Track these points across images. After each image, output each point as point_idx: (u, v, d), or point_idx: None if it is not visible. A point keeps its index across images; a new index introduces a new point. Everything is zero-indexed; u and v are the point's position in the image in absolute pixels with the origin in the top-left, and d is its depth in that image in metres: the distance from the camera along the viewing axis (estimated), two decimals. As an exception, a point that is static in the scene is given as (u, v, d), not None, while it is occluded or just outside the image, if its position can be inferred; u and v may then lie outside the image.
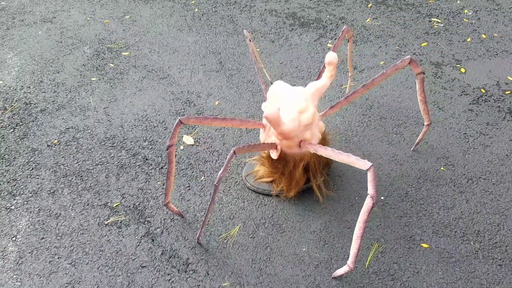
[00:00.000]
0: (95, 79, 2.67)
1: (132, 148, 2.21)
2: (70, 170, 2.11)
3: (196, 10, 3.32)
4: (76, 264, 1.73)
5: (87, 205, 1.95)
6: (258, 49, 2.82)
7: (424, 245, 1.70)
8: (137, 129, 2.31)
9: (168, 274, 1.68)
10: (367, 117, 2.26)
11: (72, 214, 1.91)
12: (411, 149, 2.08)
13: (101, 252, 1.77)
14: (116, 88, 2.59)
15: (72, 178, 2.07)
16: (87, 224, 1.87)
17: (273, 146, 1.76)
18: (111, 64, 2.78)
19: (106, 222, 1.87)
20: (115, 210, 1.92)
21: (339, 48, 2.76)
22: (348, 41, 2.10)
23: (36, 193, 2.01)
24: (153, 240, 1.80)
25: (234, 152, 1.53)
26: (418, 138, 2.05)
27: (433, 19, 2.96)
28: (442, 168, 1.98)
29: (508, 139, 2.08)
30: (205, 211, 1.87)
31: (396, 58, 2.65)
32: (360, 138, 2.16)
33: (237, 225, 1.83)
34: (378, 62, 2.63)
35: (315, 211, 1.86)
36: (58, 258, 1.75)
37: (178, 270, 1.69)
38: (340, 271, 1.59)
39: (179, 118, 1.60)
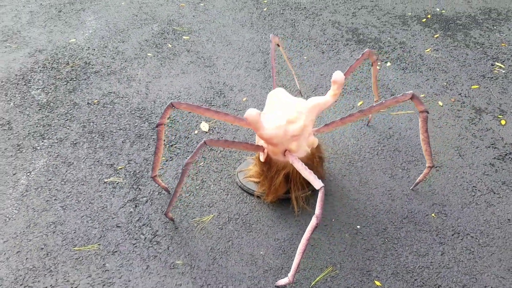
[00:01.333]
0: (150, 54, 2.93)
1: (154, 122, 2.41)
2: (97, 128, 2.37)
3: (265, 9, 3.44)
4: (66, 208, 1.97)
5: (97, 161, 2.19)
6: (288, 56, 2.87)
7: (377, 283, 1.68)
8: (165, 107, 2.51)
9: (136, 239, 1.85)
10: (381, 146, 2.23)
11: (82, 166, 2.16)
12: (410, 188, 2.02)
13: (90, 204, 1.99)
14: (164, 66, 2.82)
15: (95, 136, 2.33)
16: (90, 178, 2.11)
17: (259, 148, 1.83)
18: (169, 45, 3.02)
19: (105, 180, 2.09)
20: (117, 172, 2.14)
21: (372, 71, 2.71)
22: (372, 65, 2.09)
23: (61, 141, 2.30)
24: (136, 206, 1.98)
25: (205, 143, 1.64)
26: (418, 179, 1.98)
27: (497, 63, 2.77)
28: (433, 215, 1.90)
29: (521, 204, 1.93)
30: (186, 193, 2.01)
31: (439, 95, 2.54)
32: (364, 164, 2.14)
33: (212, 214, 1.94)
34: (418, 94, 2.54)
35: (287, 221, 1.90)
36: (54, 199, 2.01)
37: (145, 238, 1.85)
38: (281, 282, 1.63)
39: (171, 101, 1.75)
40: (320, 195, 1.49)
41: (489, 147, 2.21)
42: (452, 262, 1.74)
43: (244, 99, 2.56)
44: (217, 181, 2.09)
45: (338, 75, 1.75)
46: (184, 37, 3.09)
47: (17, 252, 1.79)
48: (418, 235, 1.84)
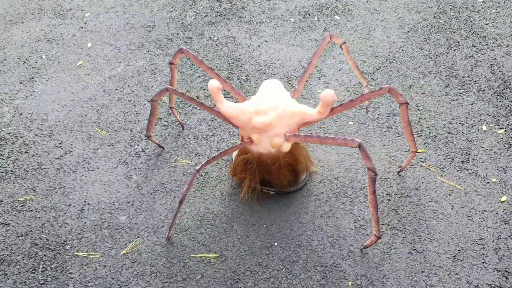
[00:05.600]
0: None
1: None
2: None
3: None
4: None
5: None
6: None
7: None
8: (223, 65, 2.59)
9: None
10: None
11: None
12: (397, 172, 2.04)
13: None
14: (257, 34, 2.90)
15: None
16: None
17: (240, 147, 1.84)
18: (291, 19, 3.10)
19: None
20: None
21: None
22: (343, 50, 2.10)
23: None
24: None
25: (197, 171, 1.69)
26: (404, 164, 2.01)
27: None
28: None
29: None
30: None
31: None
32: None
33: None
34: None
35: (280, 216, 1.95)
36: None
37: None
38: (368, 242, 1.72)
39: (167, 85, 1.82)
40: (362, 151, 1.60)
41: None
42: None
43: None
44: (223, 166, 2.15)
45: (326, 94, 1.68)
46: (336, 16, 3.17)
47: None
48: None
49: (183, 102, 2.47)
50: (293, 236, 1.82)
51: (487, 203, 1.91)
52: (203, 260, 1.74)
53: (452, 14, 3.08)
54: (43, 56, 2.83)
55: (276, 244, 1.80)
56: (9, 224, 1.88)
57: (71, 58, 2.82)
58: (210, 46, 2.88)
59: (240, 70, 2.68)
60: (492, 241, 1.77)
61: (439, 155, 2.12)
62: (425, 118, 2.31)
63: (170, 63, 2.04)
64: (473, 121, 2.28)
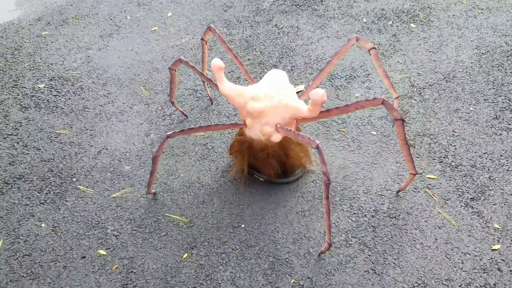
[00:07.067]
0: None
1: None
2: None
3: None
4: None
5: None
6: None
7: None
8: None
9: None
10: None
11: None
12: (396, 193, 1.94)
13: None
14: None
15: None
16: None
17: (229, 128, 1.90)
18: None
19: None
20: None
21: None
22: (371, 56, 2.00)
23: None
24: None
25: (168, 137, 1.80)
26: (402, 185, 1.91)
27: None
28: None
29: None
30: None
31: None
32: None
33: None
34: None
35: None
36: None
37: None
38: (323, 249, 1.73)
39: (181, 59, 1.96)
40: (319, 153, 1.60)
41: None
42: None
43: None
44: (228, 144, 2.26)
45: (315, 93, 1.66)
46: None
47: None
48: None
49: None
50: (262, 223, 1.86)
51: (475, 247, 1.73)
52: (173, 221, 1.88)
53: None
54: (128, 17, 3.18)
55: (243, 226, 1.86)
56: (40, 149, 2.22)
57: (149, 23, 3.12)
58: (271, 33, 2.95)
59: (289, 60, 2.72)
60: (460, 286, 1.61)
61: (451, 186, 1.96)
62: (455, 146, 2.13)
63: (201, 39, 2.18)
64: (506, 161, 2.04)
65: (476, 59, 2.63)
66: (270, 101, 1.79)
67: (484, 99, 2.37)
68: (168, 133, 1.80)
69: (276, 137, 1.85)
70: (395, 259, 1.72)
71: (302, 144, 1.99)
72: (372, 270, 1.68)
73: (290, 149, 1.93)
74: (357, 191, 1.97)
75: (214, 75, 1.84)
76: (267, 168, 1.95)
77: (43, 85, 2.61)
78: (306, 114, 1.78)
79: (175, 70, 2.10)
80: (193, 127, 1.85)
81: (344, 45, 1.96)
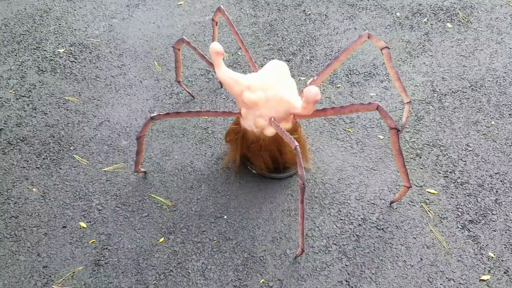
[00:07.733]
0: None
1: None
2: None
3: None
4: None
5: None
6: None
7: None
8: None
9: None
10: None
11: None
12: (389, 203, 1.85)
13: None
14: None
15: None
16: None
17: (220, 115, 1.85)
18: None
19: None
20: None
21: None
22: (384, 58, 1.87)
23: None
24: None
25: (152, 118, 1.76)
26: (395, 197, 1.82)
27: None
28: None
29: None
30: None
31: None
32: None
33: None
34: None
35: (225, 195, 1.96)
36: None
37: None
38: (298, 253, 1.70)
39: (183, 39, 1.91)
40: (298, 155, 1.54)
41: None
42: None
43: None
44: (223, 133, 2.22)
45: (308, 90, 1.58)
46: None
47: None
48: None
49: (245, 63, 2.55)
50: (244, 217, 1.82)
51: (462, 274, 1.62)
52: (158, 203, 1.88)
53: None
54: (157, -12, 3.16)
55: (225, 217, 1.83)
56: (46, 113, 2.27)
57: (178, -4, 3.09)
58: (298, 19, 2.84)
59: (309, 50, 2.61)
60: (435, 314, 1.52)
61: (450, 204, 1.83)
62: (465, 161, 1.99)
63: (212, 19, 2.12)
64: (519, 184, 1.89)
65: (511, 68, 2.43)
66: (265, 93, 1.72)
67: (510, 114, 2.19)
68: (152, 115, 1.77)
69: (269, 131, 1.79)
70: (373, 273, 1.64)
71: (299, 142, 1.92)
72: (346, 281, 1.62)
73: (284, 145, 1.87)
74: (349, 196, 1.88)
75: (212, 59, 1.78)
76: (259, 160, 1.89)
77: (63, 50, 2.65)
78: (300, 111, 1.70)
79: (179, 50, 2.06)
80: (181, 111, 1.81)
81: (353, 41, 1.84)
